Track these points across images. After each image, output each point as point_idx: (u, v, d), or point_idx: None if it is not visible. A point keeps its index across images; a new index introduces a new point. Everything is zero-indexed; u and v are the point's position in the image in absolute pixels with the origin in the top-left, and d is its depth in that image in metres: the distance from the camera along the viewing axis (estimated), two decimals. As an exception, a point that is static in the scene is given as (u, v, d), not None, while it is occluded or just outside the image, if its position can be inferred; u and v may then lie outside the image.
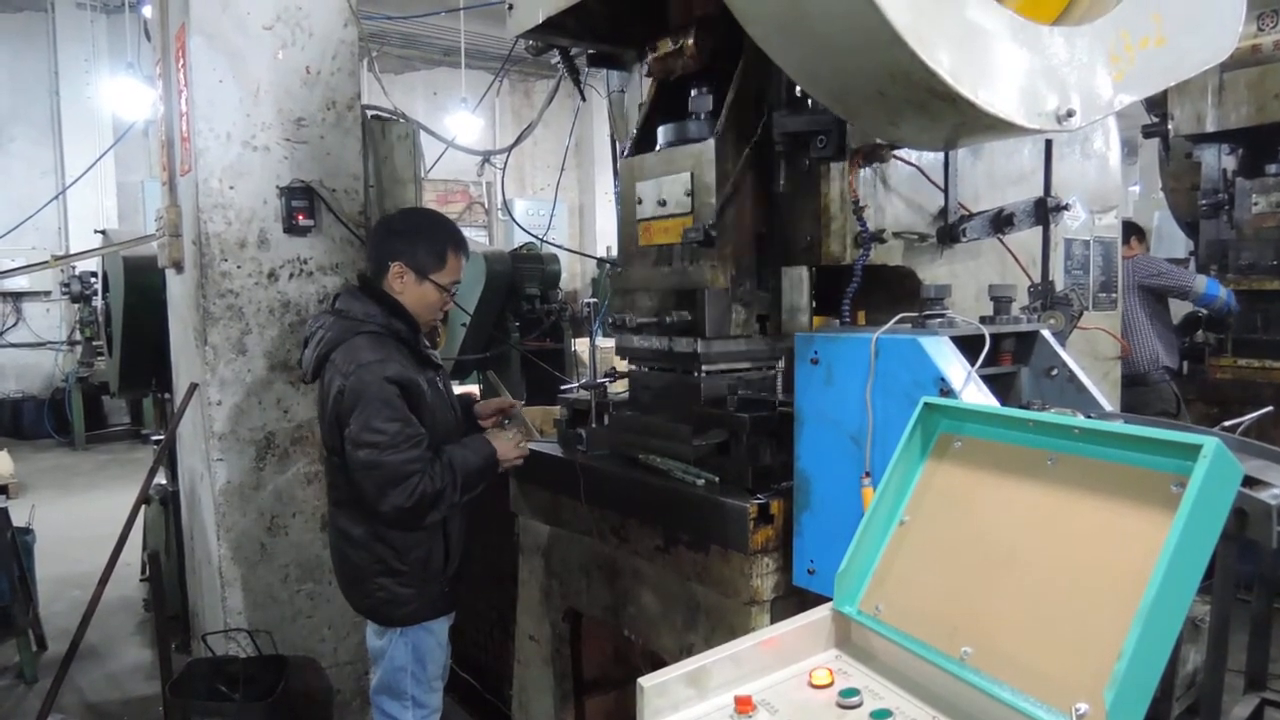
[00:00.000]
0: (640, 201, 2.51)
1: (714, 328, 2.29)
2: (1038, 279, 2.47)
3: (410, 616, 2.66)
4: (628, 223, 2.58)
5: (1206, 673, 2.51)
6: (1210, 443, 1.06)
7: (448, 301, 2.76)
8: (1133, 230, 5.67)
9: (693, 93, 2.38)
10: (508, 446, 2.68)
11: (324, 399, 2.61)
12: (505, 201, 5.73)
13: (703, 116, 2.36)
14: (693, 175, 2.33)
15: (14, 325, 12.16)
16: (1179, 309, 5.76)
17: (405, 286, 2.65)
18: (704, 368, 2.32)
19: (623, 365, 2.77)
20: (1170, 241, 7.72)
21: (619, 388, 2.92)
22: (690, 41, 2.39)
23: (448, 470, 2.51)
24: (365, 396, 2.46)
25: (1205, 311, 5.57)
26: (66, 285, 10.61)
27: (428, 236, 2.69)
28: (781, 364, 2.35)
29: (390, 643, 2.68)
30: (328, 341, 2.59)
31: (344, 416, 2.50)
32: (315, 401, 2.98)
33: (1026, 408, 1.83)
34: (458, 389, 4.51)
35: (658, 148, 2.48)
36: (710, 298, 2.28)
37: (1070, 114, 1.62)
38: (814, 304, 2.46)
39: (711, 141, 2.28)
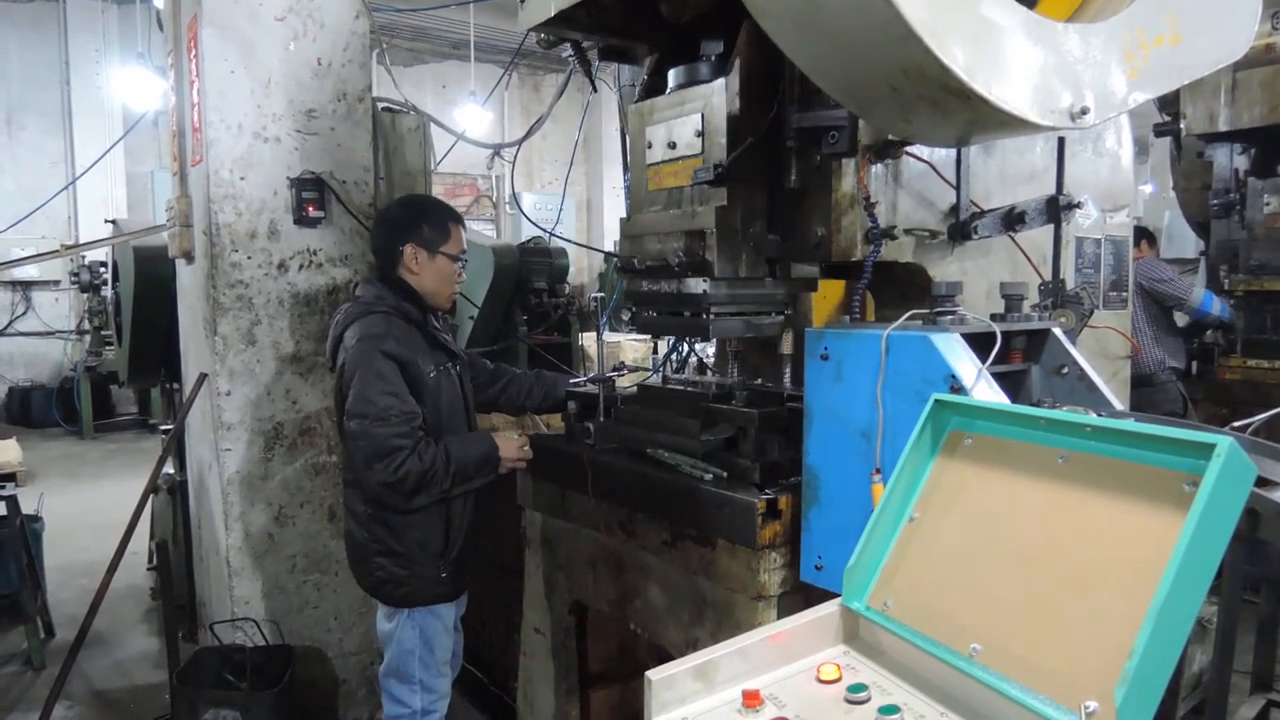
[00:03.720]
0: (650, 146, 2.49)
1: (723, 269, 2.26)
2: (1048, 277, 2.46)
3: (408, 598, 2.72)
4: (637, 169, 2.56)
5: (1213, 673, 2.51)
6: (1224, 442, 1.06)
7: (460, 272, 2.86)
8: (1143, 235, 5.66)
9: (703, 41, 2.36)
10: (511, 446, 2.71)
11: (337, 376, 2.71)
12: (514, 195, 5.71)
13: (713, 59, 2.34)
14: (703, 116, 2.30)
15: (23, 314, 12.20)
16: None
17: (421, 266, 2.76)
18: (713, 309, 2.29)
19: (631, 355, 2.77)
20: (1181, 241, 7.70)
21: (626, 382, 2.93)
22: None
23: (441, 455, 2.56)
24: (362, 368, 2.56)
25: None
26: (76, 275, 10.64)
27: (426, 215, 2.82)
28: (789, 311, 2.35)
29: (398, 625, 2.73)
30: (340, 324, 2.73)
31: (345, 388, 2.59)
32: (331, 388, 3.03)
33: (1037, 406, 1.83)
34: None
35: (668, 91, 2.46)
36: (719, 238, 2.24)
37: (1084, 111, 1.61)
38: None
39: (722, 81, 2.25)
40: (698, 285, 2.30)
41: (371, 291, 2.76)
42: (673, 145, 2.40)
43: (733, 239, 2.27)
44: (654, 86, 2.56)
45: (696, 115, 2.32)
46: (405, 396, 2.57)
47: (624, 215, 2.71)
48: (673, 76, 2.44)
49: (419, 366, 2.64)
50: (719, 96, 2.26)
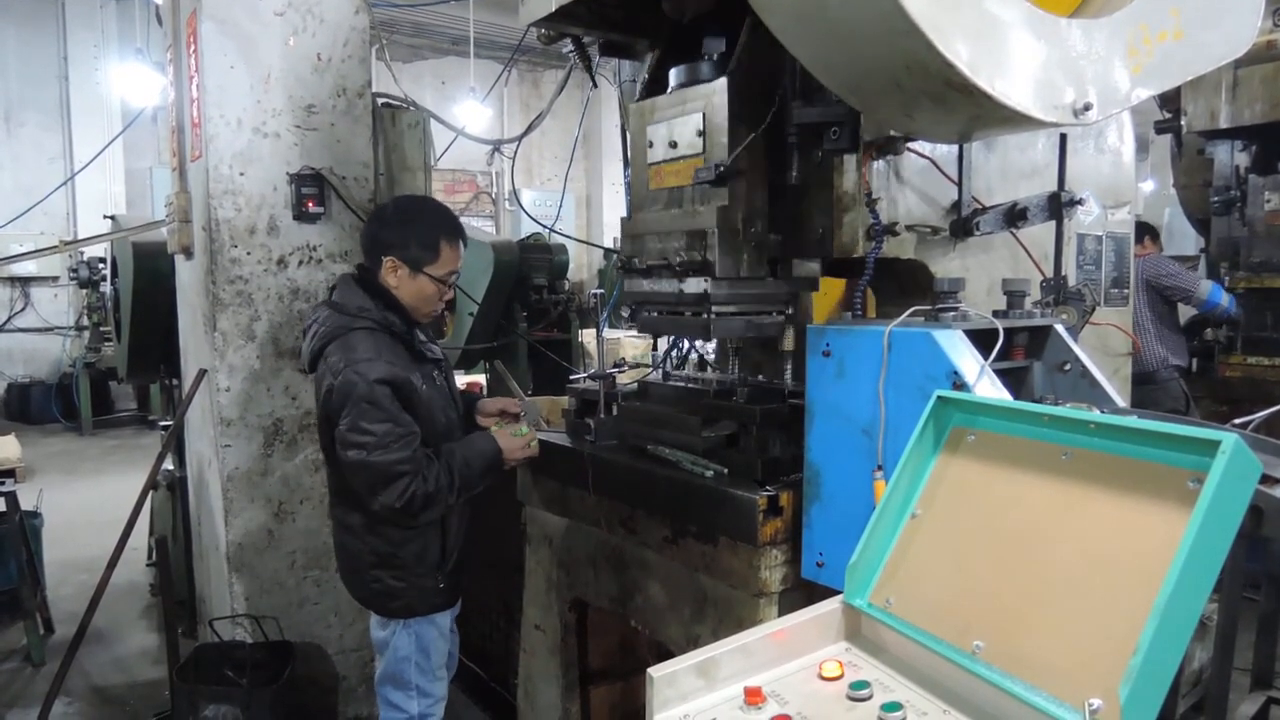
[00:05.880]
0: (651, 145, 2.47)
1: (724, 268, 2.24)
2: (1050, 274, 2.46)
3: (402, 610, 2.66)
4: (638, 168, 2.54)
5: (1213, 670, 2.51)
6: (1229, 438, 1.06)
7: (446, 293, 2.72)
8: (1146, 230, 5.67)
9: (705, 39, 2.34)
10: (515, 444, 2.66)
11: (317, 394, 2.61)
12: (514, 191, 5.68)
13: (715, 58, 2.33)
14: (705, 115, 2.28)
15: (22, 310, 12.21)
16: (1188, 307, 5.77)
17: (400, 281, 2.63)
18: (714, 309, 2.26)
19: (632, 355, 2.76)
20: (1181, 238, 7.69)
21: (627, 379, 2.92)
22: None
23: (444, 471, 2.50)
24: (353, 397, 2.44)
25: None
26: (75, 270, 10.65)
27: (419, 228, 2.65)
28: (791, 310, 2.34)
29: (393, 634, 2.68)
30: (322, 336, 2.57)
31: (333, 415, 2.49)
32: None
33: (1039, 402, 1.82)
34: (463, 380, 4.50)
35: (669, 90, 2.44)
36: (721, 238, 2.22)
37: (1087, 107, 1.61)
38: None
39: (724, 80, 2.23)
40: (699, 285, 2.28)
41: (354, 301, 2.59)
42: (674, 144, 2.39)
43: (734, 238, 2.26)
44: (655, 84, 2.54)
45: (698, 115, 2.31)
46: (401, 418, 2.47)
47: (624, 214, 2.69)
48: (674, 75, 2.43)
49: (411, 384, 2.54)
50: (720, 96, 2.24)
